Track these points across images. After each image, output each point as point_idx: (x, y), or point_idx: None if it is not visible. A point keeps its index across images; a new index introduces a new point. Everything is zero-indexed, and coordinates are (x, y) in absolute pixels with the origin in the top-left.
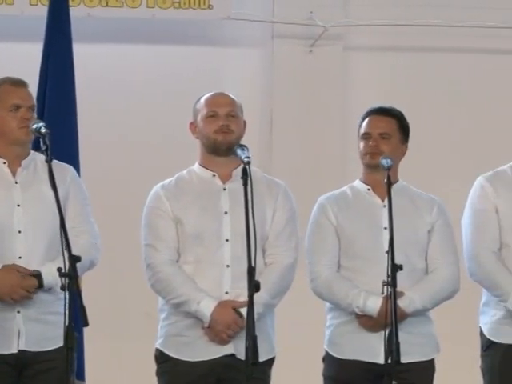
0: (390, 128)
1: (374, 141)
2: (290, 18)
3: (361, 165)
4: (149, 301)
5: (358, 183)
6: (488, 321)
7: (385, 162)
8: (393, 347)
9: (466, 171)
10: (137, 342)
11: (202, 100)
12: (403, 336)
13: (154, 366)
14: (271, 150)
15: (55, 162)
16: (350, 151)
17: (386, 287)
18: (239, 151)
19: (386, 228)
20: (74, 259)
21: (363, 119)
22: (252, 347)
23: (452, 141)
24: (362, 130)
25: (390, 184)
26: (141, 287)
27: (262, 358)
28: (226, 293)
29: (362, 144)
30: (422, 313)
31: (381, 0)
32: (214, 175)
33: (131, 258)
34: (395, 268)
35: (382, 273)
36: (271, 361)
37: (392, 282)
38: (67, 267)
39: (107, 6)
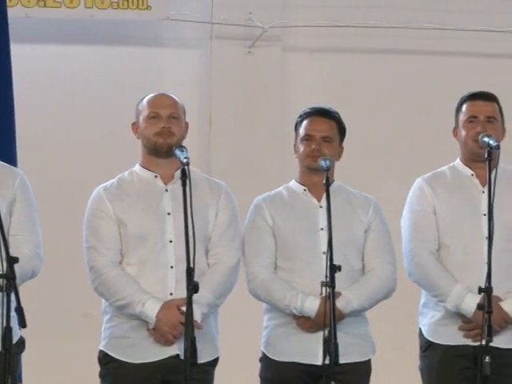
0: (331, 131)
1: (317, 144)
2: (228, 19)
3: (298, 165)
4: (87, 302)
5: (293, 184)
6: (427, 322)
7: (323, 163)
8: (331, 348)
9: (402, 171)
10: (75, 344)
11: (145, 101)
12: (340, 336)
13: (91, 368)
14: (210, 151)
15: (3, 165)
16: (288, 152)
17: (324, 288)
18: (178, 152)
19: (322, 229)
20: (12, 260)
21: (302, 120)
22: (191, 348)
23: (388, 141)
24: (304, 132)
25: (328, 185)
26: (79, 288)
27: (206, 358)
28: (171, 294)
29: (302, 146)
30: (359, 313)
31: (319, 1)
32: (156, 176)
33: (70, 259)
34: (334, 269)
35: (319, 273)
36: (215, 361)
37: (331, 282)
38: (5, 268)
39: (45, 6)
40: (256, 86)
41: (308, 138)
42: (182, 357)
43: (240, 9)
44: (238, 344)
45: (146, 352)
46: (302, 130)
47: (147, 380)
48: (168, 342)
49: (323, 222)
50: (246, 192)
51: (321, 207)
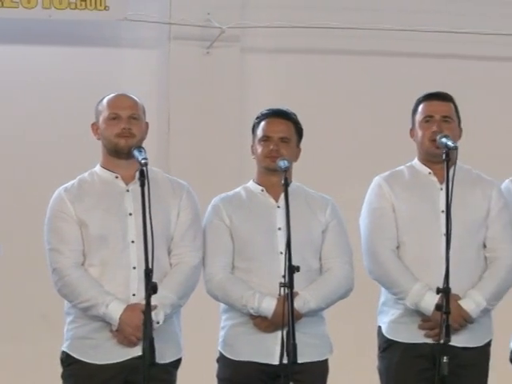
0: (289, 132)
1: (275, 145)
2: (186, 19)
3: (256, 166)
4: (46, 303)
5: (251, 184)
6: (387, 320)
7: (282, 163)
8: (290, 348)
9: (361, 172)
10: (34, 345)
11: (104, 101)
12: (297, 336)
13: (51, 369)
14: (168, 151)
15: None
16: (247, 152)
17: (282, 288)
18: (136, 153)
19: (280, 229)
20: None
21: (260, 121)
22: (149, 348)
23: (346, 142)
24: (261, 133)
25: (286, 185)
26: (37, 290)
27: (170, 358)
28: (134, 295)
29: (260, 147)
30: (316, 313)
31: (277, 2)
32: (117, 177)
33: (28, 260)
34: (292, 269)
35: (277, 273)
36: (178, 362)
37: (289, 283)
38: None
39: (2, 6)
40: (214, 86)
41: (266, 138)
42: None
43: (198, 9)
44: (195, 345)
45: (109, 353)
46: (259, 131)
47: (110, 381)
48: (131, 344)
49: (281, 222)
50: (204, 192)
51: (278, 207)
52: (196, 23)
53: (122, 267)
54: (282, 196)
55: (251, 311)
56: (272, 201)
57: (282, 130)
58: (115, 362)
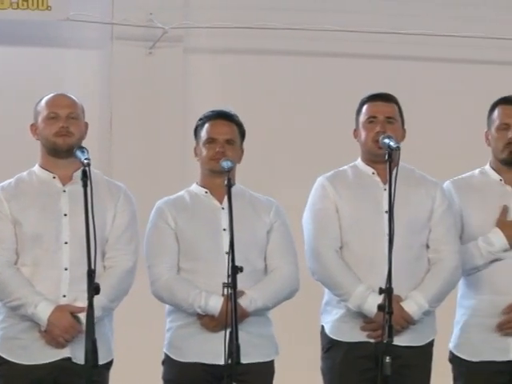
0: (233, 134)
1: (220, 147)
2: (129, 19)
3: (199, 168)
4: None
5: (195, 187)
6: (330, 320)
7: (225, 164)
8: (233, 348)
9: (303, 173)
10: None
11: (43, 101)
12: (243, 336)
13: None
14: (111, 152)
15: None
16: (190, 153)
17: (226, 289)
18: (79, 153)
19: (225, 230)
20: None
21: (203, 123)
22: (92, 350)
23: (289, 143)
24: (206, 135)
25: (230, 186)
26: None
27: (101, 361)
28: (64, 296)
29: (205, 149)
30: (263, 312)
31: (220, 3)
32: (55, 177)
33: None
34: (235, 270)
35: (222, 274)
36: (109, 364)
37: (232, 283)
38: None
39: None
40: (157, 86)
41: (211, 141)
42: (74, 360)
43: (141, 9)
44: (139, 347)
45: (38, 354)
46: (204, 134)
47: (39, 381)
48: (59, 345)
49: (226, 224)
50: (147, 193)
51: (223, 209)
52: (138, 23)
53: (53, 268)
54: (226, 197)
55: (198, 310)
56: (216, 203)
57: (227, 132)
58: (44, 362)
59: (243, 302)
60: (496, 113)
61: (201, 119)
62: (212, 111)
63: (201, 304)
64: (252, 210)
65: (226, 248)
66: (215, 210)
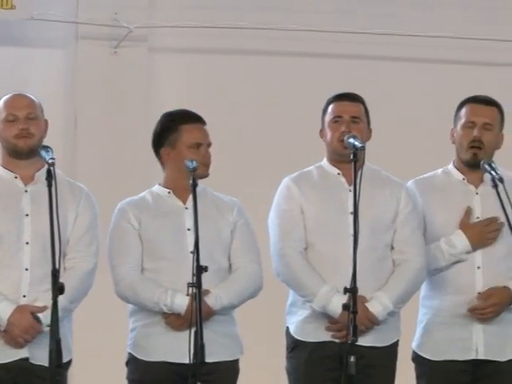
0: (207, 137)
1: (206, 151)
2: (94, 18)
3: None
4: None
5: (157, 188)
6: (295, 320)
7: (190, 164)
8: (198, 348)
9: (268, 173)
10: None
11: (1, 102)
12: (209, 335)
13: None
14: (75, 152)
15: None
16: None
17: (190, 288)
18: (43, 153)
19: (189, 229)
20: None
21: (176, 126)
22: (56, 350)
23: (253, 142)
24: (193, 140)
25: (195, 186)
26: None
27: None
28: (24, 296)
29: (190, 153)
30: (228, 311)
31: (185, 2)
32: (16, 177)
33: None
34: (200, 269)
35: (187, 273)
36: (68, 364)
37: (197, 283)
38: None
39: None
40: (122, 86)
41: (198, 146)
42: (32, 360)
43: (106, 9)
44: (101, 348)
45: None
46: (186, 138)
47: None
48: (18, 345)
49: (190, 223)
50: (111, 193)
51: (186, 209)
52: (103, 23)
53: (14, 268)
54: (190, 198)
55: (164, 308)
56: (179, 203)
57: (206, 136)
58: (2, 362)
59: (209, 300)
60: (464, 110)
61: (173, 120)
62: (183, 113)
63: (167, 302)
64: (215, 210)
65: (191, 248)
66: (179, 210)
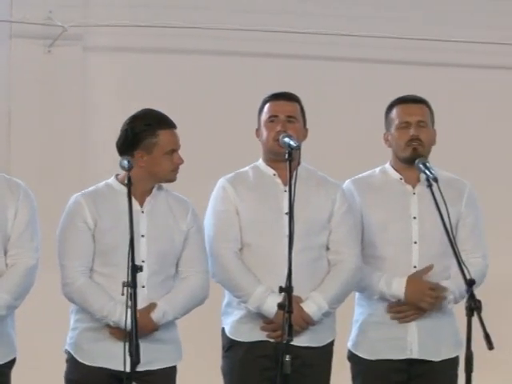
0: (179, 141)
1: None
2: (28, 17)
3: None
4: None
5: (114, 182)
6: (230, 321)
7: (126, 163)
8: (132, 348)
9: (206, 172)
10: None
11: None
12: (150, 343)
13: None
14: (10, 151)
15: None
16: (90, 152)
17: (125, 288)
18: None
19: (143, 236)
20: None
21: (149, 129)
22: None
23: (190, 141)
24: (169, 145)
25: (130, 186)
26: None
27: (3, 360)
28: None
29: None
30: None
31: (120, 1)
32: None
33: None
34: (135, 269)
35: (137, 281)
36: (11, 363)
37: (132, 282)
38: None
39: None
40: (56, 85)
41: (173, 151)
42: None
43: (40, 7)
44: (41, 345)
45: None
46: (164, 144)
47: None
48: None
49: (144, 229)
50: (45, 190)
51: (143, 212)
52: (37, 21)
53: None
54: (147, 201)
55: (111, 323)
56: (137, 206)
57: (179, 141)
58: None
59: (155, 315)
60: (394, 113)
61: (148, 124)
62: (154, 117)
63: (115, 319)
64: (170, 216)
65: (143, 256)
66: (135, 214)
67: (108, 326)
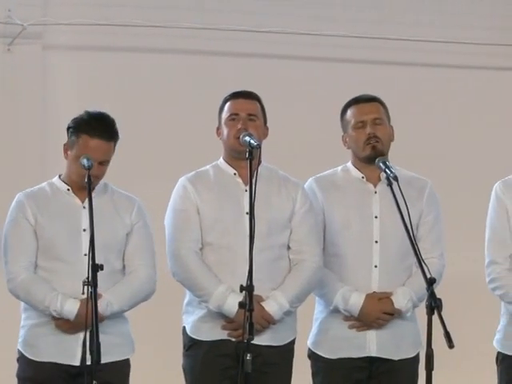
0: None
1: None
2: None
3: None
4: None
5: (57, 181)
6: (191, 320)
7: (85, 161)
8: (93, 347)
9: (166, 171)
10: None
11: None
12: (101, 336)
13: None
14: None
15: None
16: (49, 151)
17: (86, 287)
18: None
19: (84, 230)
20: None
21: (79, 128)
22: None
23: (152, 140)
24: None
25: (90, 184)
26: None
27: None
28: None
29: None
30: (118, 315)
31: (80, 0)
32: None
33: None
34: (95, 268)
35: (81, 275)
36: None
37: (93, 281)
38: None
39: None
40: (16, 83)
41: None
42: None
43: None
44: None
45: None
46: (83, 141)
47: None
48: None
49: (86, 223)
50: (5, 191)
51: (84, 208)
52: None
53: None
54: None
55: (54, 313)
56: (77, 201)
57: (101, 155)
58: None
59: (100, 306)
60: (349, 114)
61: (78, 122)
62: (88, 114)
63: (57, 308)
64: (113, 210)
65: (86, 250)
66: (76, 209)
67: (53, 318)
